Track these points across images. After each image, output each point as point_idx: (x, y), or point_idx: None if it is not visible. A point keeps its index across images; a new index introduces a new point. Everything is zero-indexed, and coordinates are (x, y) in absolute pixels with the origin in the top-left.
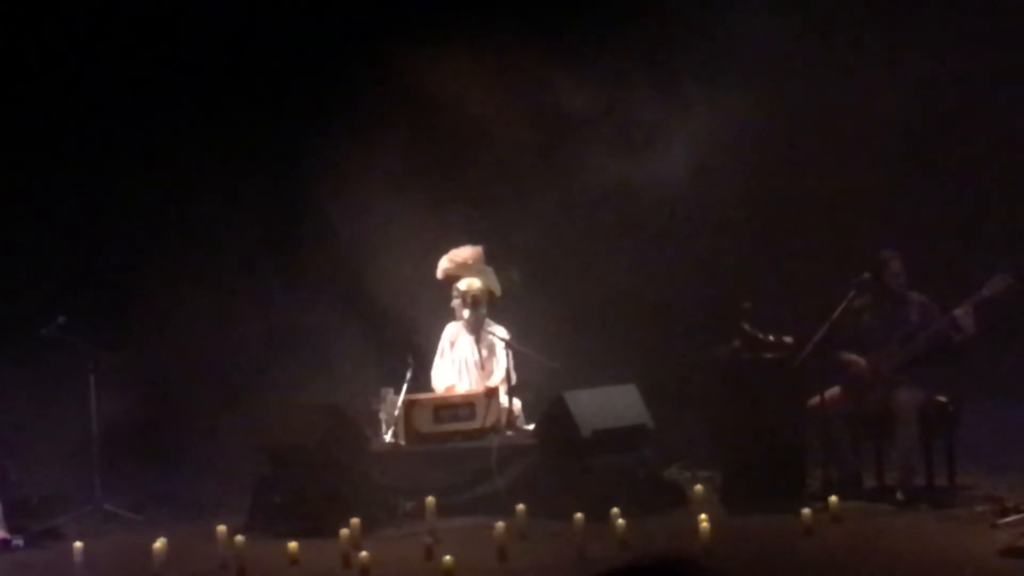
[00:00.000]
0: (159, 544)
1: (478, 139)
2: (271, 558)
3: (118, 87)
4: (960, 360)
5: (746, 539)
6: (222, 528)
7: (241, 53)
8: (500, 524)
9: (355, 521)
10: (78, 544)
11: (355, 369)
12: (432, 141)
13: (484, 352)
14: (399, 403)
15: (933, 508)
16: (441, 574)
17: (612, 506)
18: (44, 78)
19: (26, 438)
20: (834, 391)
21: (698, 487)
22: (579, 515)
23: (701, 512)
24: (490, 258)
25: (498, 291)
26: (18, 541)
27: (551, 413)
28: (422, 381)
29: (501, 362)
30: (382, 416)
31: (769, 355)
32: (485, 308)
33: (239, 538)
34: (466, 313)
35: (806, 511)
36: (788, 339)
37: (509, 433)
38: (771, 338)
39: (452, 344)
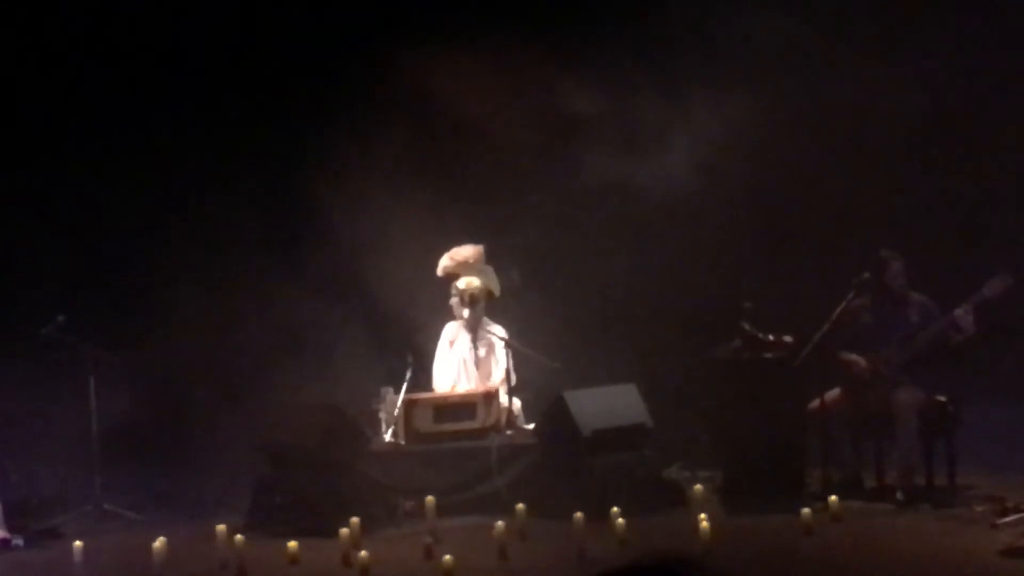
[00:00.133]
0: (159, 544)
1: (479, 139)
2: (271, 558)
3: (118, 86)
4: (960, 360)
5: (746, 539)
6: (222, 528)
7: (242, 52)
8: (500, 524)
9: (355, 521)
10: (78, 544)
11: (355, 369)
12: (433, 141)
13: (483, 351)
14: (399, 403)
15: (933, 508)
16: (441, 574)
17: (612, 506)
18: (44, 77)
19: (26, 438)
20: (834, 391)
21: (698, 487)
22: (579, 514)
23: (701, 512)
24: (490, 257)
25: (497, 290)
26: (18, 540)
27: (551, 413)
28: (422, 381)
29: (501, 362)
30: (382, 416)
31: (769, 355)
32: (483, 307)
33: (239, 538)
34: (465, 312)
35: (806, 511)
36: (788, 339)
37: (509, 433)
38: (771, 338)
39: (451, 343)
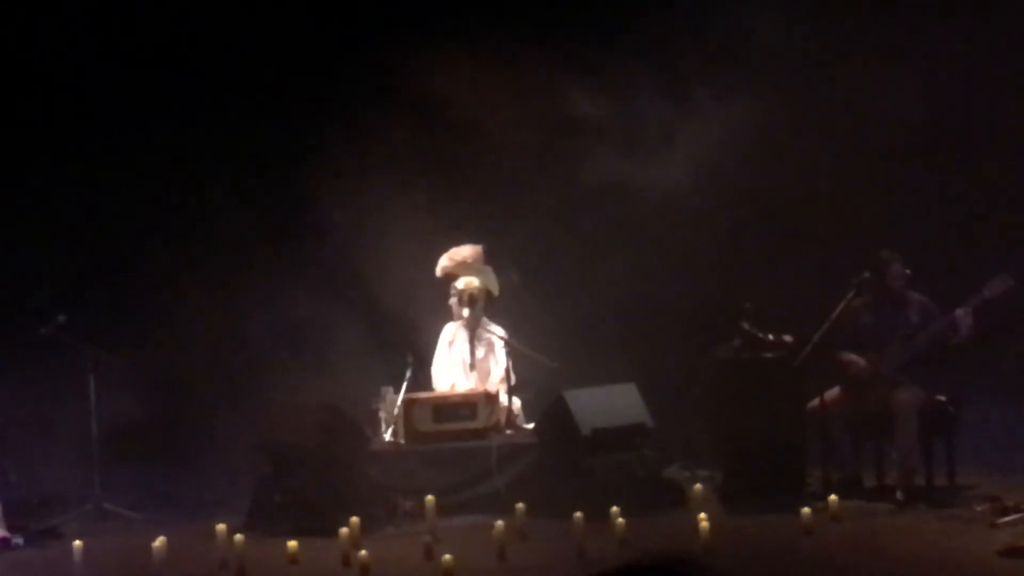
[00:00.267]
0: (159, 543)
1: (480, 139)
2: (271, 557)
3: (118, 85)
4: (960, 360)
5: (746, 538)
6: (222, 527)
7: (243, 51)
8: (500, 523)
9: (355, 520)
10: (78, 543)
11: (355, 368)
12: (434, 141)
13: (482, 351)
14: (399, 402)
15: (933, 508)
16: (441, 573)
17: (612, 505)
18: (45, 77)
19: (26, 437)
20: (834, 391)
21: (698, 486)
22: (579, 514)
23: (701, 511)
24: (489, 257)
25: (496, 290)
26: (18, 540)
27: (551, 412)
28: (422, 380)
29: (500, 361)
30: (382, 415)
31: (769, 355)
32: (483, 307)
33: (239, 537)
34: (464, 312)
35: (806, 511)
36: (788, 339)
37: (509, 432)
38: (771, 338)
39: (451, 344)
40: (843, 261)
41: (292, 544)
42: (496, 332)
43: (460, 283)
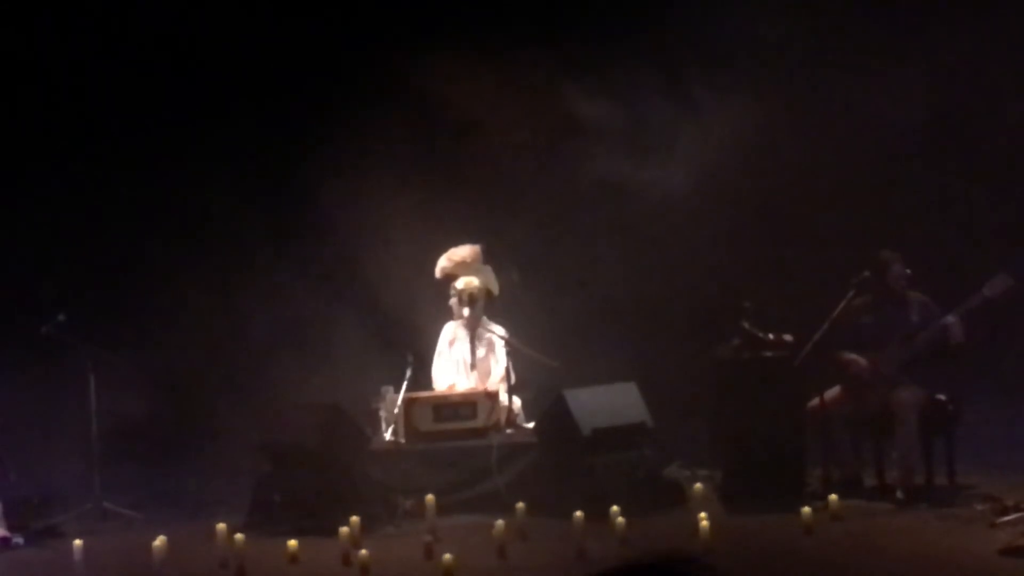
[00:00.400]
0: (159, 542)
1: (480, 139)
2: (271, 556)
3: (119, 85)
4: (960, 360)
5: (746, 538)
6: (222, 526)
7: (245, 51)
8: (500, 523)
9: (355, 519)
10: (78, 542)
11: (355, 368)
12: (435, 141)
13: (482, 351)
14: (399, 401)
15: (933, 507)
16: (441, 573)
17: (612, 505)
18: (44, 76)
19: (26, 436)
20: (834, 390)
21: (698, 486)
22: (579, 513)
23: (701, 511)
24: (488, 257)
25: (496, 290)
26: (18, 539)
27: (551, 412)
28: (422, 380)
29: (500, 361)
30: (382, 414)
31: (769, 354)
32: (483, 306)
33: (239, 536)
34: (464, 311)
35: (806, 510)
36: (788, 338)
37: (509, 432)
38: (771, 337)
39: (451, 343)
40: (843, 261)
41: (292, 543)
42: (496, 331)
43: (460, 283)
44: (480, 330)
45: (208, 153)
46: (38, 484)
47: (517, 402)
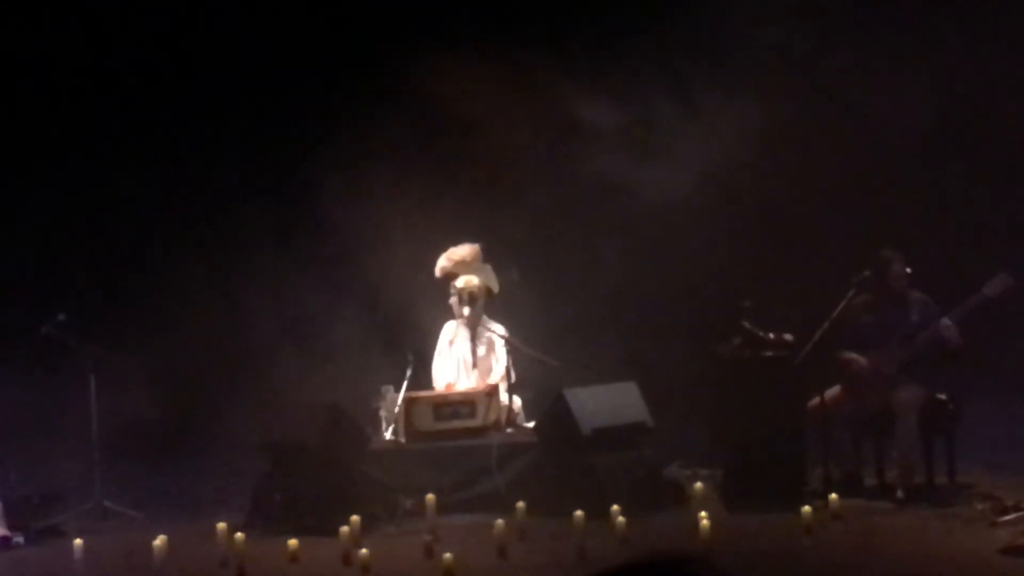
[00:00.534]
0: (159, 542)
1: (481, 138)
2: (271, 556)
3: (119, 83)
4: (960, 360)
5: (746, 537)
6: (222, 526)
7: (248, 51)
8: (500, 522)
9: (355, 519)
10: (78, 541)
11: (355, 367)
12: (437, 141)
13: (482, 350)
14: (399, 401)
15: (933, 506)
16: (441, 572)
17: (612, 504)
18: (45, 75)
19: (26, 436)
20: (834, 389)
21: (698, 485)
22: (579, 513)
23: (701, 510)
24: (488, 256)
25: (496, 289)
26: (18, 539)
27: (551, 411)
28: (422, 379)
29: (501, 360)
30: (382, 414)
31: (770, 353)
32: (483, 305)
33: (239, 536)
34: (465, 310)
35: (806, 509)
36: (789, 337)
37: (509, 431)
38: (772, 336)
39: (451, 342)
40: (843, 260)
41: (293, 543)
42: (496, 330)
43: (460, 282)
44: (480, 329)
45: (209, 152)
46: (38, 483)
47: (517, 401)
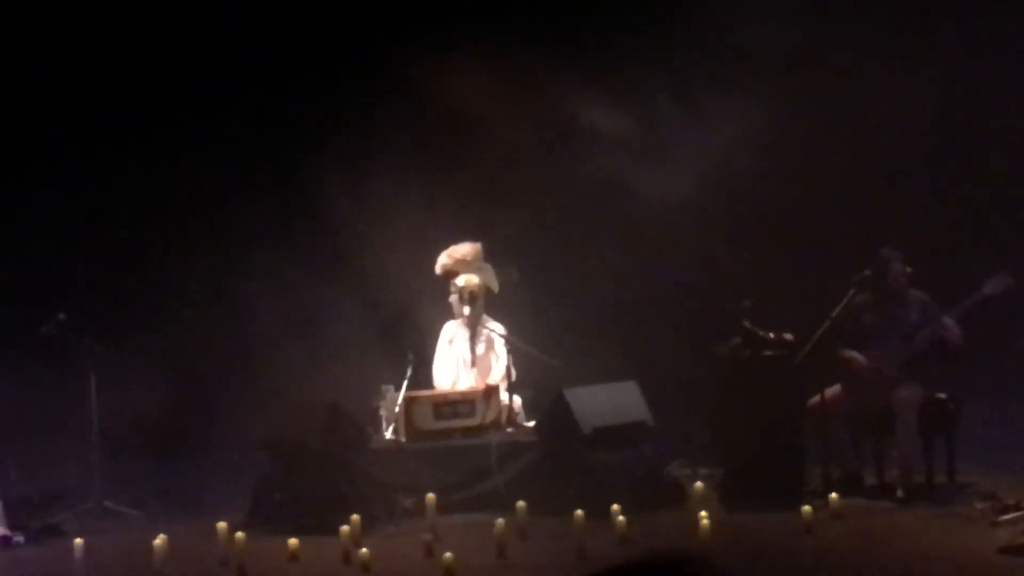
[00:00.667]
0: (159, 541)
1: (482, 138)
2: (271, 555)
3: (120, 81)
4: (960, 359)
5: (746, 536)
6: (222, 525)
7: (249, 50)
8: (500, 521)
9: (355, 518)
10: (78, 541)
11: (356, 366)
12: (438, 140)
13: (481, 348)
14: (399, 400)
15: (933, 505)
16: (441, 571)
17: (612, 503)
18: (45, 73)
19: (27, 435)
20: (834, 389)
21: (698, 484)
22: (579, 512)
23: (701, 509)
24: (489, 255)
25: (496, 288)
26: (18, 538)
27: (552, 410)
28: (422, 378)
29: (501, 359)
30: (382, 413)
31: (770, 352)
32: (483, 304)
33: (239, 535)
34: (465, 309)
35: (806, 508)
36: (789, 336)
37: (509, 430)
38: (772, 335)
39: (451, 341)
40: (844, 259)
41: (293, 542)
42: (496, 329)
43: (460, 280)
44: (480, 328)
45: (209, 151)
46: (39, 483)
47: (517, 401)
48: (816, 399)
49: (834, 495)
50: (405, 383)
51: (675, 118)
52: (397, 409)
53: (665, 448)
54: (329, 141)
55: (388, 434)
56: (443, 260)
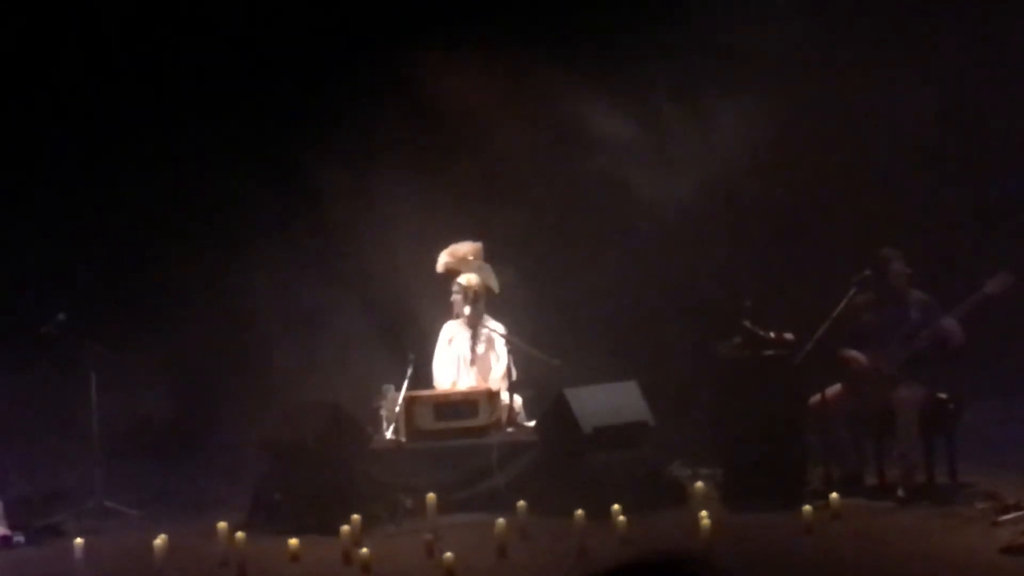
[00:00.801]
0: (160, 541)
1: (482, 137)
2: (272, 555)
3: (121, 80)
4: (960, 359)
5: (747, 536)
6: (223, 525)
7: (251, 49)
8: (501, 521)
9: (356, 518)
10: (79, 541)
11: (356, 366)
12: (439, 141)
13: (481, 348)
14: (400, 400)
15: (934, 505)
16: (442, 571)
17: (613, 503)
18: (46, 73)
19: (27, 435)
20: (835, 388)
21: (699, 484)
22: (580, 512)
23: (702, 509)
24: (489, 255)
25: (496, 288)
26: (19, 538)
27: (552, 410)
28: (423, 378)
29: (501, 358)
30: (383, 413)
31: (770, 352)
32: (483, 304)
33: (240, 535)
34: (466, 309)
35: (807, 508)
36: (789, 336)
37: (510, 430)
38: (772, 335)
39: (451, 341)
40: (844, 259)
41: (293, 542)
42: (497, 329)
43: (461, 279)
44: (480, 327)
45: (209, 150)
46: (39, 482)
47: (518, 400)
48: (816, 399)
49: (835, 495)
50: (405, 383)
51: (675, 118)
52: (398, 409)
53: (665, 448)
54: (329, 140)
55: (388, 434)
56: (445, 258)
